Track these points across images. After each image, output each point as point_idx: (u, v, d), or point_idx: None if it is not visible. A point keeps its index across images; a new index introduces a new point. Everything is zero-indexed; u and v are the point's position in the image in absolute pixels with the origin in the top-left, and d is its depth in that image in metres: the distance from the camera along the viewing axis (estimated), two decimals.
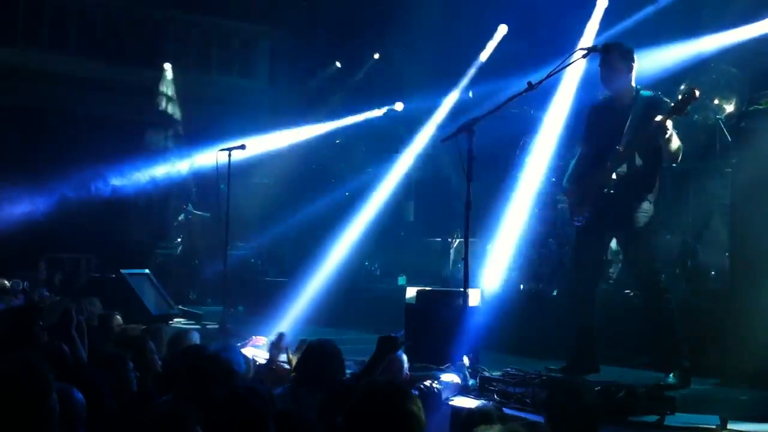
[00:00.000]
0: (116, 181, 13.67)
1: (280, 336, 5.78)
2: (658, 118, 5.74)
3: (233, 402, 3.17)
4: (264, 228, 13.20)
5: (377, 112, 13.75)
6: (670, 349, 5.90)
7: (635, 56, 6.13)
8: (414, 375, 5.24)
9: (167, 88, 14.75)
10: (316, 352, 4.77)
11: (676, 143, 5.89)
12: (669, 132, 5.74)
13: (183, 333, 6.01)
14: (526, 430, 2.92)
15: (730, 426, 4.35)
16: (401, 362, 5.07)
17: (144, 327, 6.30)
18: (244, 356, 5.38)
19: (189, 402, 3.74)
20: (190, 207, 13.68)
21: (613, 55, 6.04)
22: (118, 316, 6.57)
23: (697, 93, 5.73)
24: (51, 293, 10.40)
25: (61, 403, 3.23)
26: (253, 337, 6.80)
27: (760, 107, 6.69)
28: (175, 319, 10.03)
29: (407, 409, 2.78)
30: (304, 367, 4.75)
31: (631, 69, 6.09)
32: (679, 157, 6.06)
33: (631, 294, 7.48)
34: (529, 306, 8.15)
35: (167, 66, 14.73)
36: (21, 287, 9.98)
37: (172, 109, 14.77)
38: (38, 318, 5.39)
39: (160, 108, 14.76)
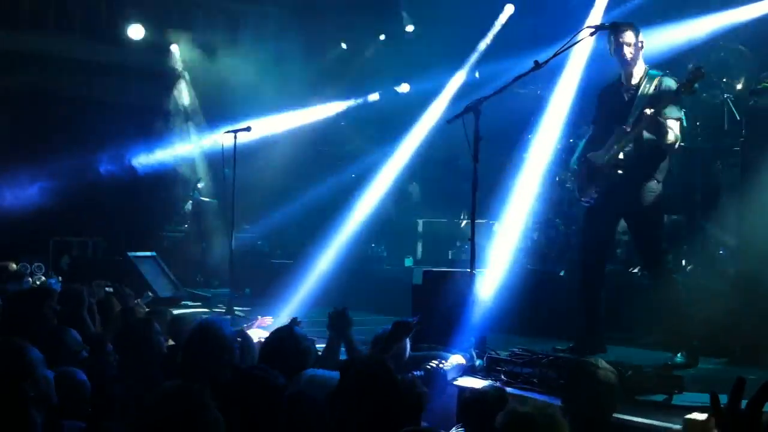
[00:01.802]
0: (123, 164, 13.67)
1: (294, 321, 5.71)
2: (649, 111, 5.69)
3: (247, 380, 3.16)
4: (271, 210, 13.19)
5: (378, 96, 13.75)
6: (677, 329, 5.88)
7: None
8: (418, 356, 5.23)
9: (180, 72, 14.72)
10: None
11: (671, 137, 5.82)
12: (663, 125, 5.69)
13: (186, 316, 5.98)
14: (553, 411, 2.96)
15: None
16: (404, 345, 5.07)
17: (148, 309, 6.29)
18: (249, 337, 5.35)
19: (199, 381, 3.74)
20: (196, 194, 13.65)
21: (629, 32, 5.98)
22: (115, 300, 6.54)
23: (703, 71, 5.68)
24: (59, 276, 10.43)
25: (65, 385, 3.23)
26: (259, 317, 6.77)
27: None
28: (183, 302, 10.05)
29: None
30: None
31: (641, 48, 6.04)
32: (675, 147, 5.98)
33: (639, 274, 7.46)
34: (537, 286, 8.13)
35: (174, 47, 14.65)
36: (29, 270, 10.02)
37: (186, 93, 14.74)
38: (48, 300, 5.41)
39: (173, 92, 14.74)
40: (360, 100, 14.23)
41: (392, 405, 3.13)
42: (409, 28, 13.45)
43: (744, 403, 1.78)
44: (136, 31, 13.95)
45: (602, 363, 3.94)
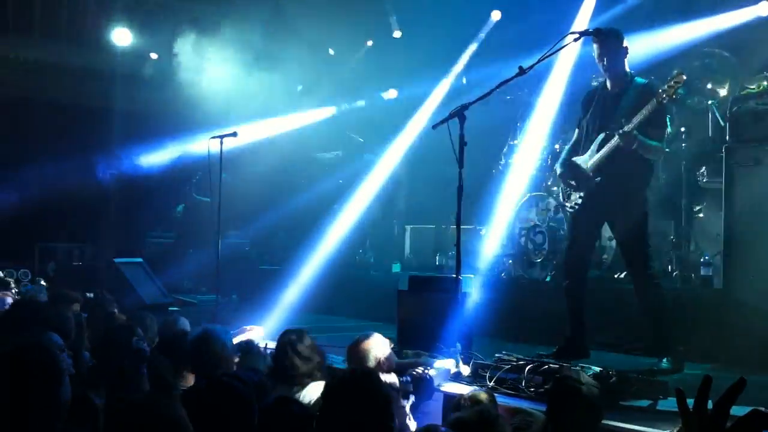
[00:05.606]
0: (110, 170, 13.61)
1: None
2: (628, 127, 5.72)
3: (216, 387, 3.13)
4: (258, 216, 13.16)
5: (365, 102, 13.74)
6: (662, 334, 5.89)
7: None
8: (404, 362, 5.23)
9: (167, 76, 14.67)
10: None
11: (648, 152, 5.86)
12: (635, 144, 5.72)
13: (173, 320, 5.95)
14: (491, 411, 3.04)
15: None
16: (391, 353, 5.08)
17: (127, 315, 6.25)
18: (255, 344, 5.34)
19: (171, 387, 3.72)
20: (193, 190, 13.50)
21: (612, 40, 6.00)
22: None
23: (684, 77, 5.71)
24: (46, 283, 10.37)
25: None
26: (245, 327, 6.67)
27: (753, 91, 6.68)
28: (169, 309, 10.00)
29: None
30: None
31: (626, 54, 6.06)
32: (658, 156, 6.07)
33: (624, 279, 7.47)
34: (522, 292, 8.14)
35: (153, 56, 14.62)
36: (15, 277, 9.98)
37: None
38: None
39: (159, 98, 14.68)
40: (347, 106, 14.22)
41: (386, 418, 3.11)
42: (397, 34, 13.43)
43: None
44: (122, 36, 13.91)
45: (585, 378, 3.93)
